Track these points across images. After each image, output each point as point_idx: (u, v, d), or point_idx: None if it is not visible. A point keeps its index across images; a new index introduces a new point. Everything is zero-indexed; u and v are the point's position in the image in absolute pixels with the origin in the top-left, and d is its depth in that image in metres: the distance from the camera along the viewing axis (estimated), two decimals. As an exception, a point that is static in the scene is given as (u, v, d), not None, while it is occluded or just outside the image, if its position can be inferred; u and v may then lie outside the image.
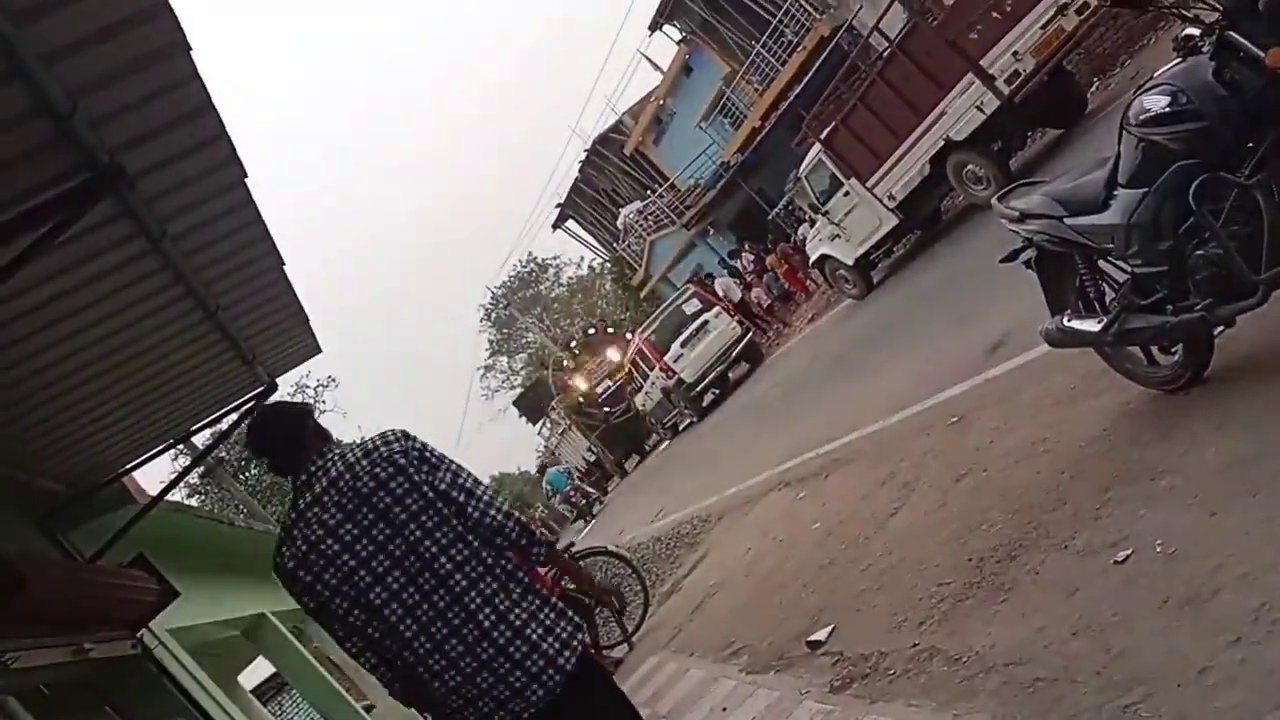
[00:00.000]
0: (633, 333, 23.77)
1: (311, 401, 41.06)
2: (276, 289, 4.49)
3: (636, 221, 32.13)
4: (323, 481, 2.59)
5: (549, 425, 35.40)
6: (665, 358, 19.01)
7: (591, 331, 29.93)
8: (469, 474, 2.66)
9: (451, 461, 2.67)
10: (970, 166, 10.84)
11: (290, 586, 2.60)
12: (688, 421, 20.06)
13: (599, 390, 25.56)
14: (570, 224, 41.09)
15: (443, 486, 2.58)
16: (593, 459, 27.76)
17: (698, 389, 18.68)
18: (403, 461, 2.58)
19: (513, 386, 62.21)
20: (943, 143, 10.89)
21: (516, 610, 2.53)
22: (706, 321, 18.90)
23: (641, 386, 21.11)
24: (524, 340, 62.53)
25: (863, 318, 12.43)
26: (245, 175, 3.49)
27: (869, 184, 12.19)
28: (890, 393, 6.98)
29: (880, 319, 10.98)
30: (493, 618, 2.50)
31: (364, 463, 2.58)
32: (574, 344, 29.89)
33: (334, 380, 42.65)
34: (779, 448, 8.60)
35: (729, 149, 25.83)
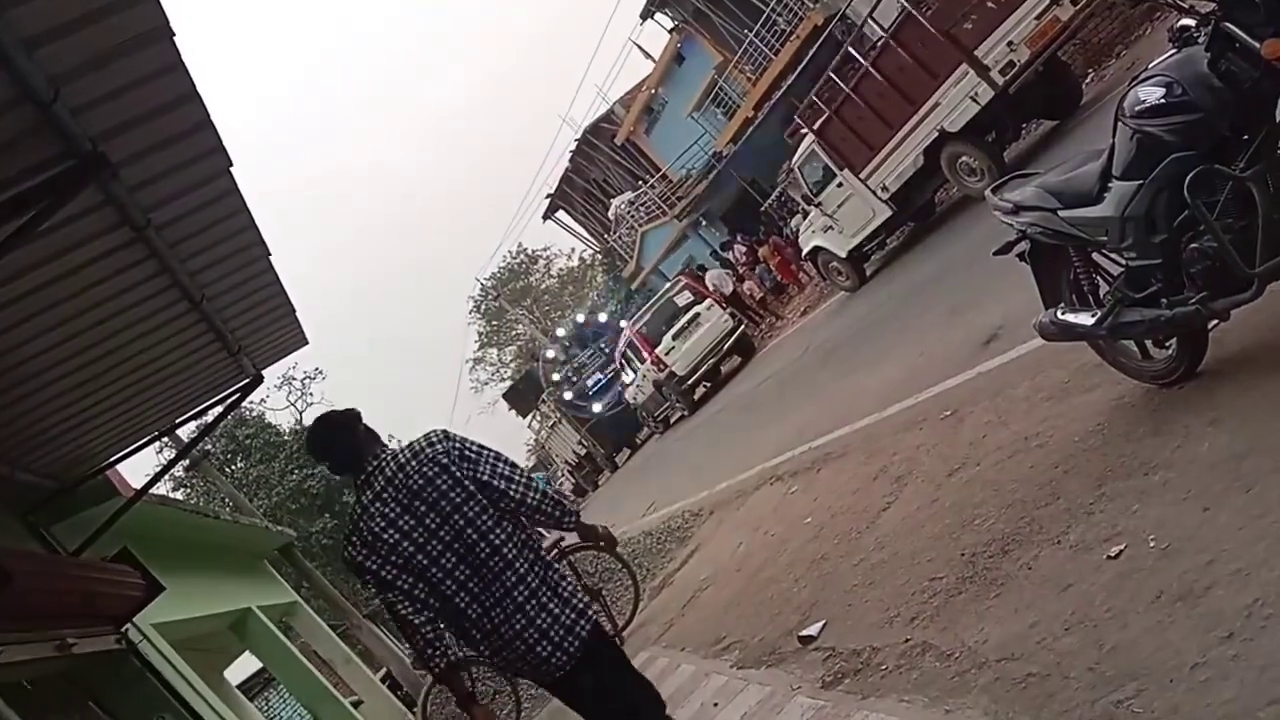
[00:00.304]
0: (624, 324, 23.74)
1: (302, 394, 41.08)
2: (263, 279, 4.47)
3: (627, 212, 32.10)
4: (380, 480, 3.10)
5: (539, 418, 35.40)
6: (657, 350, 19.02)
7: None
8: (507, 461, 3.19)
9: (490, 452, 3.18)
10: (964, 158, 10.85)
11: (359, 571, 3.08)
12: (679, 415, 20.08)
13: (589, 383, 25.57)
14: (561, 215, 40.99)
15: (484, 477, 3.11)
16: (583, 452, 27.75)
17: (689, 382, 18.71)
18: (445, 461, 3.11)
19: (502, 379, 62.13)
20: (937, 134, 10.89)
21: (544, 585, 3.09)
22: (698, 314, 18.90)
23: (633, 380, 21.11)
24: (514, 332, 62.45)
25: (856, 310, 12.44)
26: (230, 164, 3.47)
27: (862, 175, 12.20)
28: (883, 386, 6.99)
29: (873, 312, 10.99)
30: (525, 593, 3.05)
31: (413, 463, 3.10)
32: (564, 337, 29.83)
33: (321, 372, 42.62)
34: (771, 441, 8.61)
35: (721, 139, 25.80)
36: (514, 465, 3.21)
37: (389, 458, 3.15)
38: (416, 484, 3.07)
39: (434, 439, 3.17)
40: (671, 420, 20.91)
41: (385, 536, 3.04)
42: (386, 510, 3.07)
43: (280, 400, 42.56)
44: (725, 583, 6.29)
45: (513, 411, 47.10)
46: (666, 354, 18.81)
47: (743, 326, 18.72)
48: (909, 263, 12.17)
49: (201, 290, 4.08)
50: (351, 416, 3.27)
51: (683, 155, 28.85)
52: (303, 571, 12.36)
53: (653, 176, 30.84)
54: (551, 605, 3.07)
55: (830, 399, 8.30)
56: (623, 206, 32.39)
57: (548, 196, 39.68)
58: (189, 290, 3.99)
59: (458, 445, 3.16)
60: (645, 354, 19.51)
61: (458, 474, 3.10)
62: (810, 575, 4.92)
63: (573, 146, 35.54)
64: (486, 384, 64.09)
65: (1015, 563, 3.29)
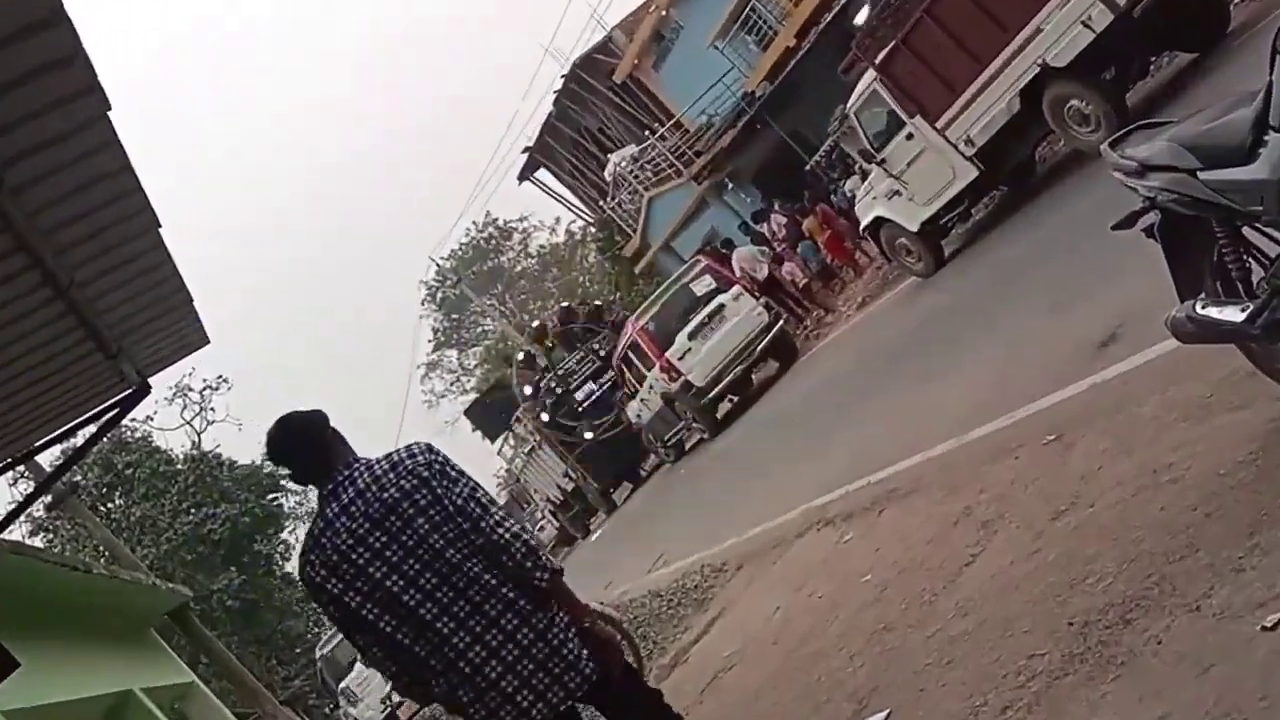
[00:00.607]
0: (625, 320, 23.77)
1: (201, 410, 41.14)
2: (150, 259, 4.48)
3: (630, 172, 32.15)
4: (349, 492, 3.44)
5: (512, 441, 35.36)
6: (668, 353, 18.99)
7: (571, 316, 29.89)
8: (485, 492, 3.53)
9: (470, 479, 3.51)
10: (1074, 102, 10.83)
11: (318, 595, 3.46)
12: (697, 438, 20.07)
13: (579, 397, 25.58)
14: (542, 175, 41.10)
15: (459, 501, 3.43)
16: (570, 487, 27.74)
17: (710, 395, 18.69)
18: (426, 474, 3.45)
19: (464, 390, 62.27)
20: (1038, 70, 10.87)
21: (533, 620, 3.41)
22: (722, 305, 18.87)
23: (636, 391, 21.10)
24: (479, 329, 62.63)
25: (930, 302, 12.44)
26: (109, 107, 3.48)
27: (939, 124, 12.18)
28: (966, 402, 6.99)
29: (953, 304, 10.98)
30: (515, 621, 3.39)
31: (390, 475, 3.45)
32: (546, 334, 29.87)
33: (226, 382, 42.66)
34: (818, 474, 8.61)
35: (754, 76, 25.84)
36: (492, 500, 3.54)
37: (362, 467, 3.49)
38: (393, 498, 3.41)
39: (415, 450, 3.54)
40: (686, 445, 20.90)
41: (353, 556, 3.38)
42: (354, 526, 3.40)
43: (172, 418, 42.58)
44: (757, 660, 6.27)
45: (477, 433, 47.09)
46: (681, 358, 18.77)
47: (781, 322, 18.72)
48: (1000, 240, 12.16)
49: (70, 274, 4.09)
50: (319, 417, 3.62)
51: (703, 97, 28.89)
52: (201, 643, 12.38)
53: (663, 125, 30.90)
54: (550, 637, 3.43)
55: (896, 418, 8.29)
56: (623, 164, 32.42)
57: (525, 151, 39.76)
58: (53, 273, 4.00)
59: (440, 460, 3.52)
60: (653, 358, 19.47)
61: (438, 490, 3.44)
62: (869, 651, 4.90)
63: (558, 85, 35.62)
64: (443, 396, 64.29)
65: (1140, 635, 3.28)
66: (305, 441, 3.56)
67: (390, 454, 3.52)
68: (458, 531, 3.40)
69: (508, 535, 3.39)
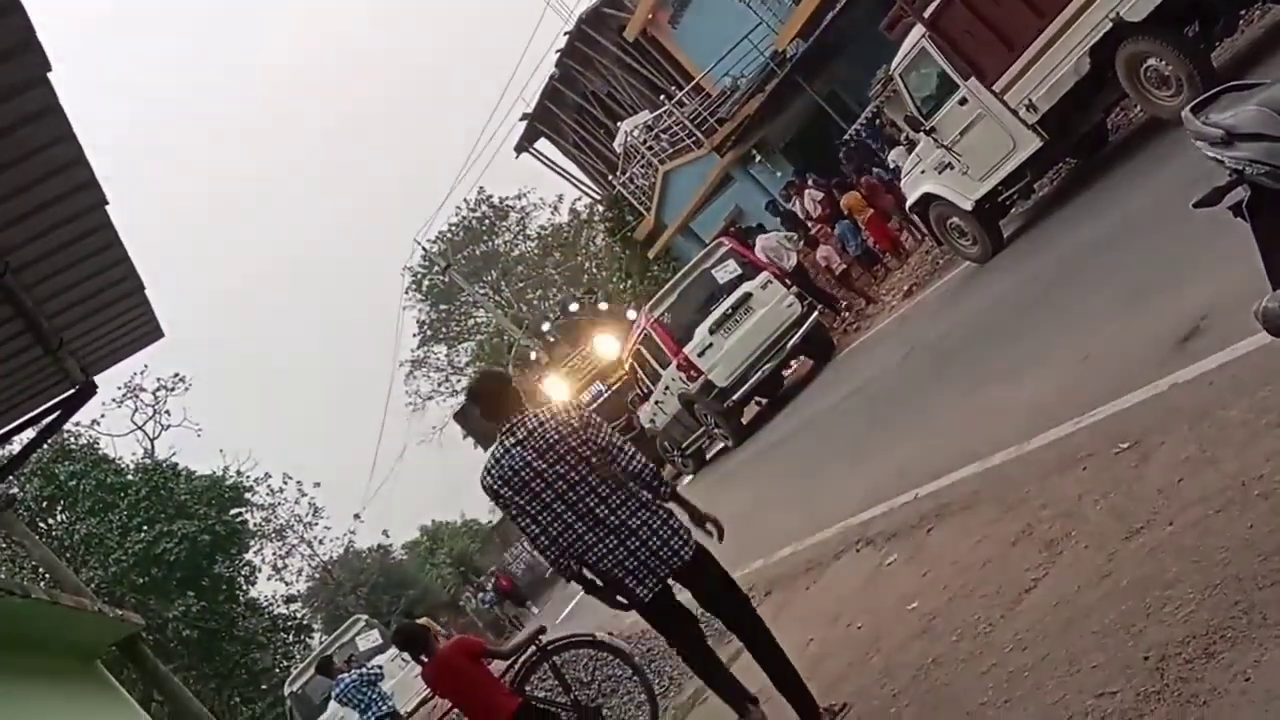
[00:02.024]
0: (637, 310, 23.79)
1: (154, 413, 41.33)
2: (96, 242, 4.50)
3: (643, 143, 32.15)
4: (521, 432, 5.52)
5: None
6: (685, 350, 18.99)
7: (575, 307, 29.98)
8: (617, 436, 5.68)
9: (606, 427, 5.69)
10: (1151, 61, 10.80)
11: (495, 499, 5.63)
12: (719, 446, 20.09)
13: (584, 399, 25.64)
14: (542, 146, 41.16)
15: (603, 441, 5.57)
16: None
17: (735, 397, 18.70)
18: (576, 424, 5.56)
19: (454, 391, 62.39)
20: (1110, 25, 10.84)
21: (658, 520, 5.52)
22: (749, 295, 18.85)
23: (649, 393, 21.10)
24: (471, 321, 62.70)
25: (987, 290, 12.43)
26: (49, 68, 3.50)
27: (997, 88, 12.16)
28: (1027, 406, 6.99)
29: (1013, 293, 10.97)
30: (645, 529, 5.49)
31: (551, 422, 5.54)
32: (548, 327, 29.95)
33: (183, 381, 42.87)
34: (858, 487, 8.64)
35: (785, 33, 25.84)
36: (625, 442, 5.68)
37: (530, 416, 5.60)
38: (551, 439, 5.49)
39: (569, 408, 5.80)
40: (707, 454, 20.92)
41: (523, 474, 5.46)
42: (525, 454, 5.48)
43: (122, 422, 42.85)
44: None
45: (468, 439, 47.27)
46: (700, 355, 18.78)
47: (816, 314, 18.70)
48: (1067, 219, 12.13)
49: (4, 258, 4.11)
50: (508, 376, 6.51)
51: (726, 57, 28.89)
52: (154, 678, 12.40)
53: (681, 89, 30.90)
54: (661, 535, 5.51)
55: (947, 424, 8.31)
56: (635, 134, 32.44)
57: (523, 118, 39.82)
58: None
59: (584, 416, 5.69)
60: (669, 355, 19.45)
61: (584, 435, 5.54)
62: (916, 689, 4.90)
63: (562, 44, 35.65)
64: (430, 398, 64.41)
65: (1226, 671, 3.28)
66: (497, 388, 5.80)
67: (548, 407, 5.71)
68: (601, 460, 5.52)
69: (639, 464, 5.59)
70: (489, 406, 5.73)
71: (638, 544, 5.46)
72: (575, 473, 5.46)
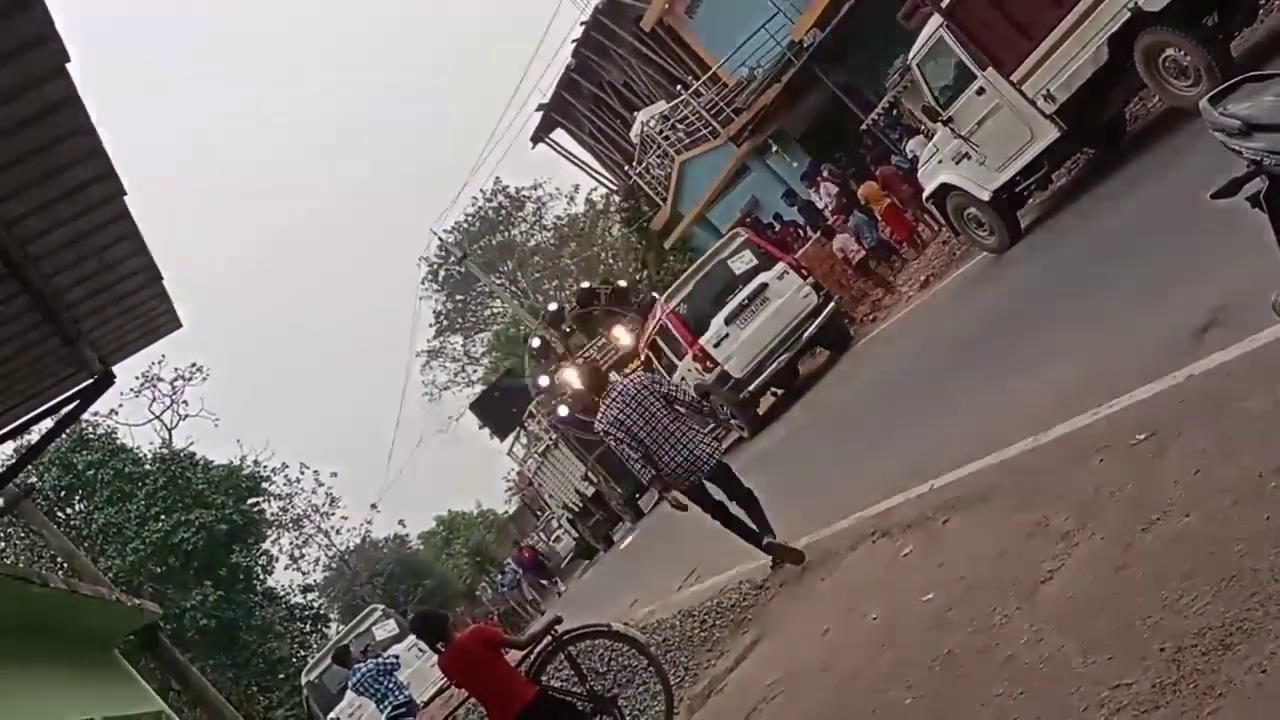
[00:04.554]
0: (653, 300, 23.77)
1: (172, 403, 41.48)
2: (114, 232, 4.52)
3: (659, 133, 32.12)
4: (615, 392, 8.83)
5: (524, 440, 35.53)
6: (701, 340, 18.97)
7: (591, 298, 29.94)
8: (680, 388, 9.63)
9: (674, 386, 9.39)
10: (1170, 51, 10.75)
11: (605, 434, 8.89)
12: (735, 437, 20.08)
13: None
14: (558, 136, 41.13)
15: (668, 392, 8.92)
16: (591, 492, 27.83)
17: (751, 388, 18.69)
18: (648, 381, 9.03)
19: (470, 382, 62.55)
20: (1129, 15, 10.80)
21: (700, 439, 8.86)
22: (765, 285, 18.82)
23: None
24: (487, 311, 62.78)
25: (1004, 281, 12.42)
26: (68, 59, 3.51)
27: (1015, 77, 12.13)
28: (1044, 397, 6.99)
29: (1030, 284, 10.96)
30: (691, 443, 8.72)
31: (633, 385, 8.90)
32: (564, 317, 29.94)
33: (200, 371, 43.05)
34: (874, 478, 8.65)
35: (802, 23, 25.77)
36: (686, 392, 9.63)
37: (622, 381, 9.04)
38: (635, 394, 8.64)
39: (645, 377, 9.30)
40: (724, 445, 20.90)
41: (620, 419, 8.57)
42: (621, 404, 8.61)
43: (140, 411, 43.04)
44: (803, 691, 6.31)
45: (484, 430, 47.31)
46: (716, 346, 18.74)
47: (833, 304, 18.66)
48: (1084, 210, 12.10)
49: (24, 247, 4.13)
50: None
51: (743, 47, 28.84)
52: (172, 667, 12.48)
53: (697, 79, 30.83)
54: (704, 447, 8.77)
55: (964, 416, 8.31)
56: (652, 124, 32.41)
57: (539, 109, 39.81)
58: (4, 247, 4.04)
59: (658, 380, 9.13)
60: (684, 345, 19.44)
61: (659, 390, 8.79)
62: (932, 681, 4.91)
63: (578, 34, 35.62)
64: (446, 388, 64.58)
65: (1241, 663, 3.28)
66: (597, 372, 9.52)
67: (632, 375, 10.51)
68: (668, 405, 8.68)
69: (694, 403, 9.27)
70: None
71: (691, 453, 8.55)
72: (656, 414, 8.60)
